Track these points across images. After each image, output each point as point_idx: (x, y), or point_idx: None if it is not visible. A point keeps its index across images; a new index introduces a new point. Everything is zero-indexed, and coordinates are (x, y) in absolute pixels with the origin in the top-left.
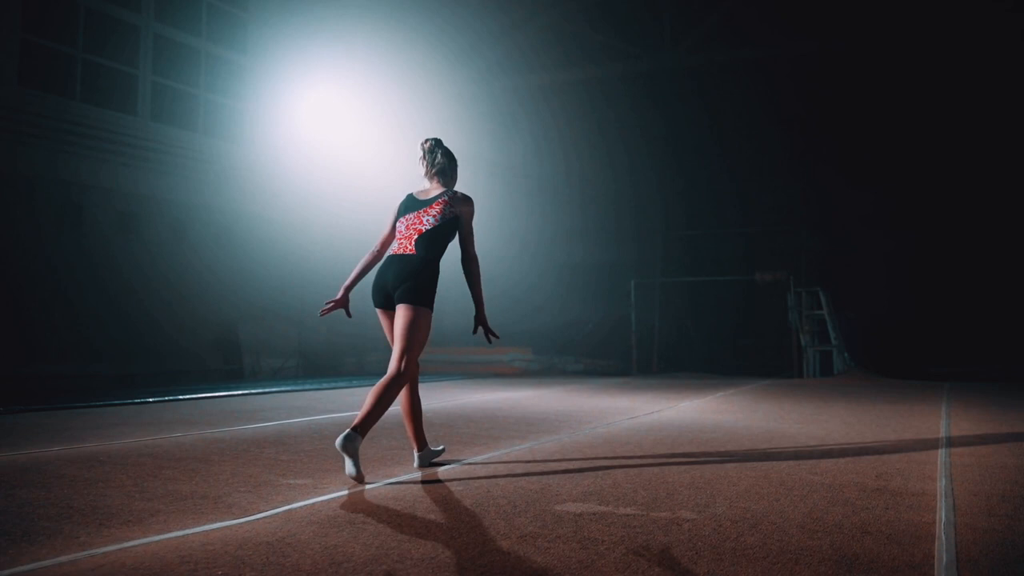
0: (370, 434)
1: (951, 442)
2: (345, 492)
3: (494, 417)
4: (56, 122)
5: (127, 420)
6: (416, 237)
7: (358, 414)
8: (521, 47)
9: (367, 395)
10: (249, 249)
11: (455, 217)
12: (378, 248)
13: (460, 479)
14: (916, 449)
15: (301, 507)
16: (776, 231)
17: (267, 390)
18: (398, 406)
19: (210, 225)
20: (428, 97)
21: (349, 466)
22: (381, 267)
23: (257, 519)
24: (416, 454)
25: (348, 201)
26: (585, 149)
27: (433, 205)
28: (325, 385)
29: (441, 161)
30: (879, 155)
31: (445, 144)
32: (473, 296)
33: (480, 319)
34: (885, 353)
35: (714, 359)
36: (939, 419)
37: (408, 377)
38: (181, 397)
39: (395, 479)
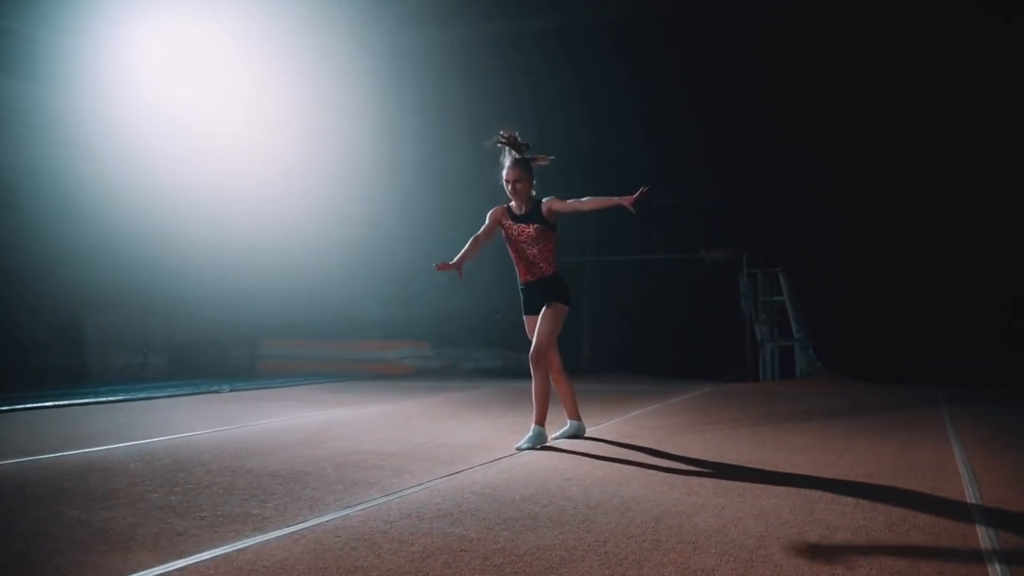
0: None
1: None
2: None
3: (230, 473)
4: None
5: None
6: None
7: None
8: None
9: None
10: (93, 221)
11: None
12: None
13: None
14: None
15: None
16: (729, 204)
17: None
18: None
19: (41, 191)
20: (325, 47)
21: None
22: None
23: None
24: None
25: (221, 164)
26: (496, 109)
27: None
28: (133, 395)
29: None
30: (843, 125)
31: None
32: (605, 204)
33: (624, 200)
34: (855, 343)
35: (655, 353)
36: (959, 478)
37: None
38: None
39: None
